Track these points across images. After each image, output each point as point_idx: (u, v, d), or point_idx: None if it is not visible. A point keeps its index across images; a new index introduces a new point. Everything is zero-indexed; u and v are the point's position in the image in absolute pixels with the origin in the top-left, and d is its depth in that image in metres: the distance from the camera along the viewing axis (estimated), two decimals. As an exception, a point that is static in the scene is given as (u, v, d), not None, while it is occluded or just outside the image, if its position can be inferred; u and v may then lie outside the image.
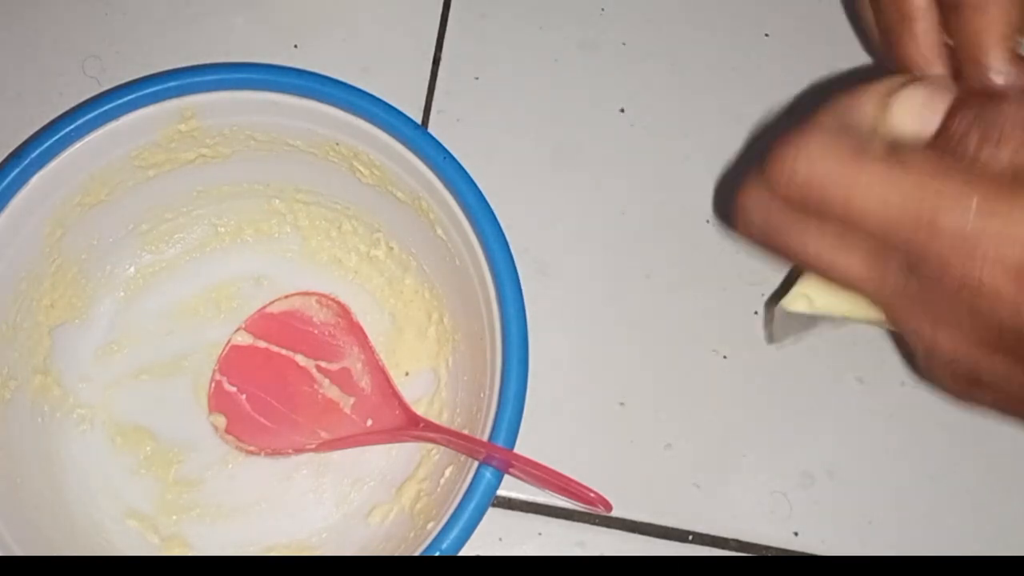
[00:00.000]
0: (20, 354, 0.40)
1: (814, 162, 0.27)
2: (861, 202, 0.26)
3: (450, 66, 0.48)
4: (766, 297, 0.45)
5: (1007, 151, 0.25)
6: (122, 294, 0.44)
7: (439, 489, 0.38)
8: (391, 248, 0.44)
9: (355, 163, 0.41)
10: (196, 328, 0.44)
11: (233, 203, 0.44)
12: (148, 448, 0.42)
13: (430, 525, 0.35)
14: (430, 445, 0.41)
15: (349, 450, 0.42)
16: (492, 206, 0.37)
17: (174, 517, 0.41)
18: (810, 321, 0.35)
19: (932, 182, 0.25)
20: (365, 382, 0.42)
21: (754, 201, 0.29)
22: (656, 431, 0.43)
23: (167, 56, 0.47)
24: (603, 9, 0.49)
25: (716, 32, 0.49)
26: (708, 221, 0.46)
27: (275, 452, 0.42)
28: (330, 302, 0.43)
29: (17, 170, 0.37)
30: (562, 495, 0.37)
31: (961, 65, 0.32)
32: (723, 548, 0.42)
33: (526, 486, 0.41)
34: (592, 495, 0.35)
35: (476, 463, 0.35)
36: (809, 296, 0.32)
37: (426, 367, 0.43)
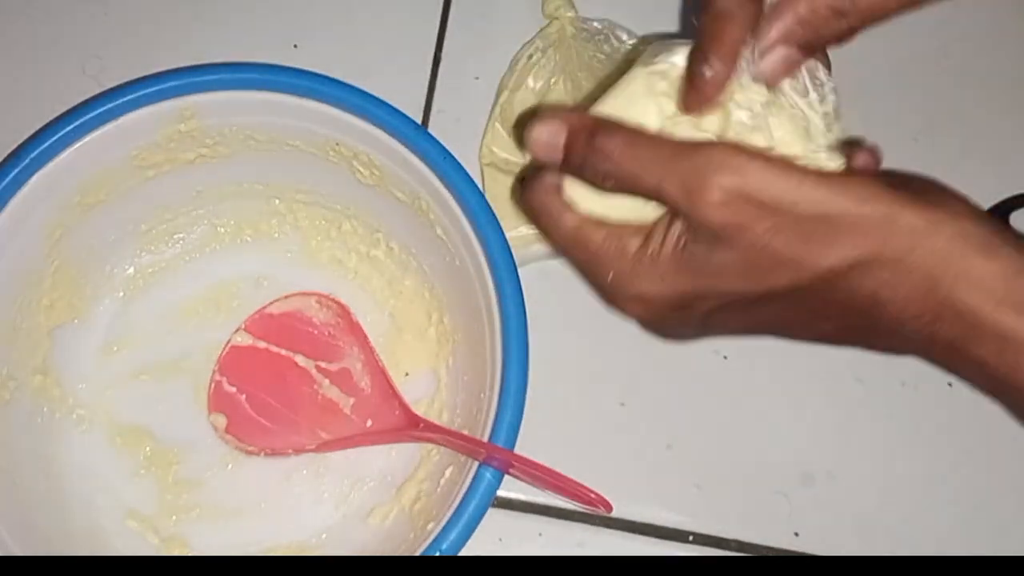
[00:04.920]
0: (20, 354, 0.40)
1: None
2: None
3: (450, 66, 0.48)
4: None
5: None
6: (122, 294, 0.44)
7: (439, 490, 0.38)
8: (391, 248, 0.44)
9: (355, 163, 0.41)
10: (196, 328, 0.44)
11: (233, 203, 0.44)
12: (148, 448, 0.42)
13: (430, 525, 0.35)
14: (430, 446, 0.41)
15: (349, 450, 0.42)
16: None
17: (174, 518, 0.41)
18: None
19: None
20: (365, 382, 0.42)
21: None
22: (656, 431, 0.43)
23: (167, 56, 0.47)
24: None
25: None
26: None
27: (275, 452, 0.42)
28: (330, 302, 0.43)
29: (17, 170, 0.37)
30: (562, 495, 0.37)
31: None
32: (723, 548, 0.42)
33: (526, 486, 0.41)
34: (592, 495, 0.35)
35: (476, 464, 0.35)
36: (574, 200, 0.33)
37: (426, 368, 0.43)
